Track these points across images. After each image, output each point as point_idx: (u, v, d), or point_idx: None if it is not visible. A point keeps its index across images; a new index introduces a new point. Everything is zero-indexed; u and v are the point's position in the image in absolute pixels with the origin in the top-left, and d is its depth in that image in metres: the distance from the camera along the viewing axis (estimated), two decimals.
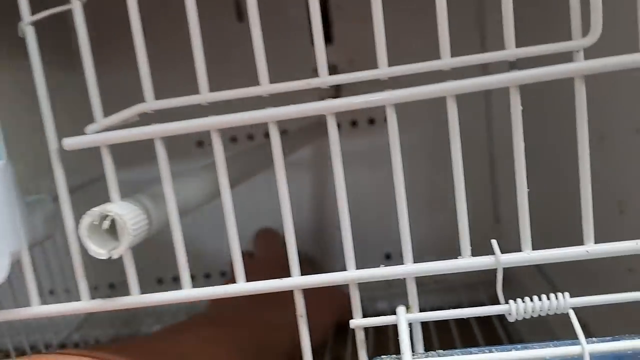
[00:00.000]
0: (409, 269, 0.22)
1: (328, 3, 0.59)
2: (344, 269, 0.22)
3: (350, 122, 0.62)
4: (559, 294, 0.21)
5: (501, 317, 0.44)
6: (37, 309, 0.23)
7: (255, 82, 0.22)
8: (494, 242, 0.22)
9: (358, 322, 0.22)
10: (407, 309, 0.22)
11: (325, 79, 0.21)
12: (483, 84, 0.21)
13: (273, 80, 0.22)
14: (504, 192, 0.59)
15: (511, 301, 0.22)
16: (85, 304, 0.23)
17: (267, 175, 0.29)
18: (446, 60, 0.21)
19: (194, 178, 0.28)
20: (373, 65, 0.21)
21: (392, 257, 0.64)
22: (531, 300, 0.21)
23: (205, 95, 0.22)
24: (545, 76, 0.20)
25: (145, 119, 0.23)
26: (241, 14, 0.59)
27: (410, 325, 0.22)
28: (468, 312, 0.22)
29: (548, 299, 0.21)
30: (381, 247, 0.63)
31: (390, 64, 0.21)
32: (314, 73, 0.21)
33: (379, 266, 0.22)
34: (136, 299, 0.23)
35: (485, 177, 0.61)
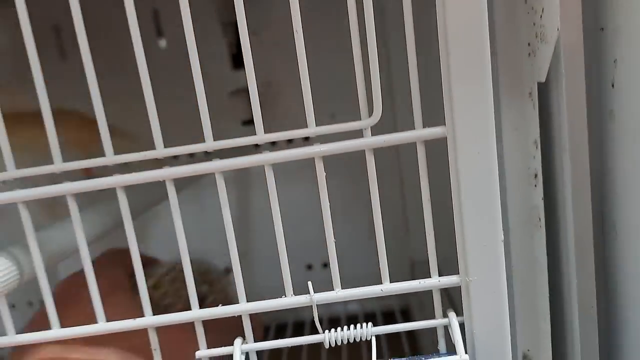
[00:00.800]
0: (242, 307, 0.26)
1: None
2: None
3: None
4: (364, 324, 0.26)
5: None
6: None
7: None
8: (309, 283, 0.26)
9: (202, 353, 0.27)
10: (243, 339, 0.27)
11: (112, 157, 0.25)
12: (290, 156, 0.25)
13: None
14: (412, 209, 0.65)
15: (326, 331, 0.26)
16: None
17: None
18: (261, 136, 0.25)
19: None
20: None
21: (313, 267, 0.68)
22: (342, 329, 0.26)
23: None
24: (343, 149, 0.25)
25: None
26: None
27: None
28: (293, 342, 0.27)
29: (355, 328, 0.26)
30: (302, 258, 0.67)
31: None
32: None
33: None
34: None
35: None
